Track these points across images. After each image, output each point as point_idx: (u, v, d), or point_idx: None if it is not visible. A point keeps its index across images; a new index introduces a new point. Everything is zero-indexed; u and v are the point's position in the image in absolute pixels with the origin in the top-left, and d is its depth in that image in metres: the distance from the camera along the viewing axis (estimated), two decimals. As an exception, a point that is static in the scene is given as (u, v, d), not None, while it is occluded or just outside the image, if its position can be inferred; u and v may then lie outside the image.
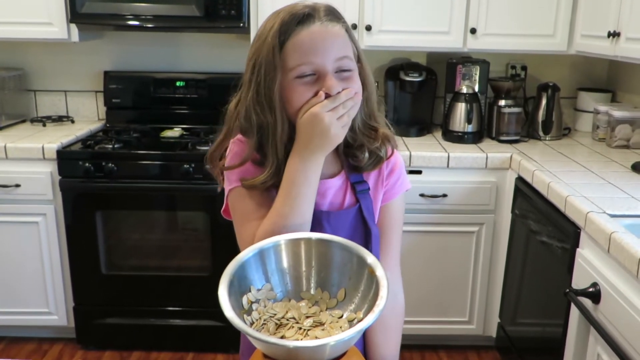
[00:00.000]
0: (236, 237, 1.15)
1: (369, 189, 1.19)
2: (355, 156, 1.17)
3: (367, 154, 1.16)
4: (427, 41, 2.67)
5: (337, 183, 1.18)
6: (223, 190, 1.21)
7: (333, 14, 1.09)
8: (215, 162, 1.21)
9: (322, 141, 1.05)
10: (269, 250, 0.99)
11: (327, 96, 1.04)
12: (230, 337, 2.65)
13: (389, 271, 1.17)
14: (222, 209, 1.22)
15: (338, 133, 1.05)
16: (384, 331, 1.21)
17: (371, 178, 1.20)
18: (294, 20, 1.05)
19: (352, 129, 1.13)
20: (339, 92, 1.04)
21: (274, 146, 1.09)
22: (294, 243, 1.00)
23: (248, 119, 1.10)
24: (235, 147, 1.17)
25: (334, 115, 1.04)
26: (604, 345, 1.56)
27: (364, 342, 1.23)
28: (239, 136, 1.16)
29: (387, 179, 1.22)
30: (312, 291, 1.00)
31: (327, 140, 1.05)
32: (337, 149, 1.15)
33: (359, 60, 1.12)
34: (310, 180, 1.07)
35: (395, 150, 1.23)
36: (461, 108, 2.69)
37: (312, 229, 1.09)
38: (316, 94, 1.05)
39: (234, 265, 0.95)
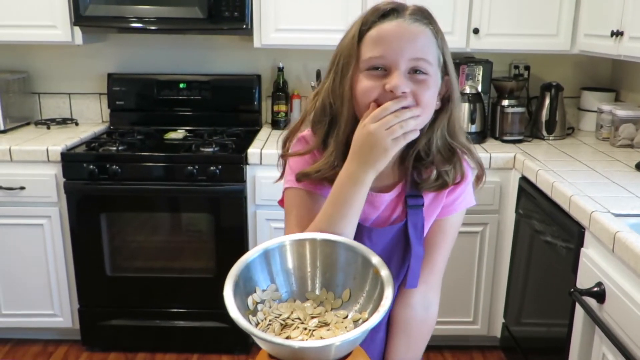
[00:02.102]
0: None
1: (422, 205, 1.13)
2: (421, 173, 1.11)
3: (434, 175, 1.10)
4: (430, 42, 2.66)
5: (392, 196, 1.13)
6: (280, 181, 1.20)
7: (421, 15, 1.04)
8: (284, 148, 1.18)
9: (370, 155, 0.99)
10: (274, 250, 0.99)
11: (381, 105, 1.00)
12: (235, 339, 2.66)
13: (426, 284, 1.18)
14: (280, 199, 1.21)
15: (387, 146, 0.98)
16: (408, 338, 1.20)
17: (432, 192, 1.14)
18: (377, 13, 1.03)
19: (428, 142, 1.08)
20: (392, 102, 0.99)
21: (337, 139, 1.07)
22: (299, 243, 1.00)
23: (323, 108, 1.09)
24: (299, 143, 1.16)
25: (383, 126, 0.97)
26: (609, 345, 1.56)
27: (384, 345, 1.22)
28: (305, 133, 1.15)
29: (448, 196, 1.16)
30: (317, 292, 1.00)
31: (374, 153, 0.98)
32: (401, 158, 1.11)
33: (445, 71, 1.06)
34: (353, 200, 1.02)
35: (468, 169, 1.15)
36: (464, 108, 2.69)
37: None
38: (383, 88, 1.00)
39: (239, 266, 0.95)
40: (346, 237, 1.03)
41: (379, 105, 1.00)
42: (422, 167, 1.11)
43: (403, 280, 1.20)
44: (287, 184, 1.15)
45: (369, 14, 1.04)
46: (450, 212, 1.18)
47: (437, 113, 1.08)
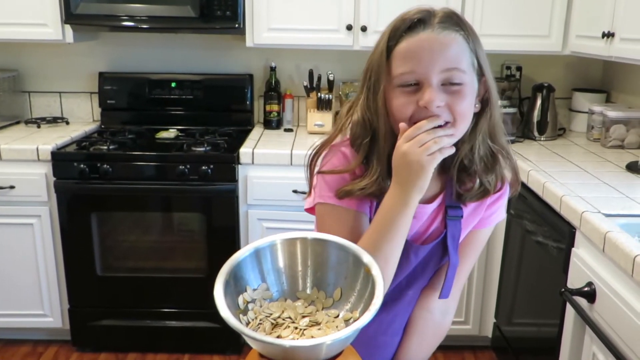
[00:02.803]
0: None
1: (461, 216, 1.12)
2: (464, 183, 1.09)
3: (477, 184, 1.08)
4: (423, 42, 2.66)
5: (434, 207, 1.11)
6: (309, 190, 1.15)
7: (450, 21, 1.00)
8: (313, 163, 1.13)
9: (409, 175, 0.97)
10: (265, 249, 0.99)
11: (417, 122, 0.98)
12: (227, 339, 2.65)
13: (450, 293, 1.18)
14: (306, 207, 1.16)
15: (423, 163, 0.96)
16: (421, 339, 1.22)
17: (472, 204, 1.13)
18: (404, 26, 1.00)
19: (471, 149, 1.05)
20: (425, 120, 0.97)
21: (379, 156, 1.05)
22: (290, 242, 1.00)
23: (363, 125, 1.06)
24: (336, 156, 1.10)
25: (416, 144, 0.96)
26: (600, 344, 1.56)
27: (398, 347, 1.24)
28: (344, 149, 1.10)
29: (489, 208, 1.14)
30: (308, 291, 1.00)
31: (412, 173, 0.97)
32: (443, 168, 1.09)
33: (481, 73, 1.03)
34: (399, 224, 1.00)
35: (506, 179, 1.13)
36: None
37: (401, 261, 1.06)
38: (417, 104, 0.98)
39: (229, 265, 0.94)
40: (394, 260, 1.02)
41: (414, 122, 0.98)
42: (466, 177, 1.09)
43: (428, 286, 1.21)
44: (322, 199, 1.10)
45: (396, 27, 1.01)
46: (486, 224, 1.17)
47: (478, 116, 1.05)
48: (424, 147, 0.95)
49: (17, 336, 2.79)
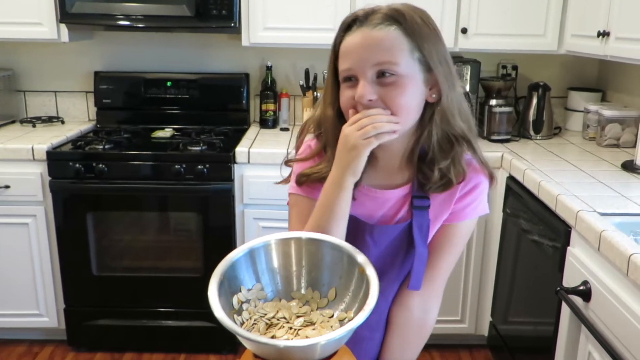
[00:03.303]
0: None
1: (428, 206, 1.13)
2: (424, 173, 1.12)
3: (437, 173, 1.10)
4: (418, 41, 2.66)
5: (398, 195, 1.15)
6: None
7: (389, 17, 1.03)
8: (302, 136, 1.24)
9: (345, 156, 1.03)
10: (259, 249, 0.99)
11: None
12: (223, 338, 2.65)
13: (429, 290, 1.18)
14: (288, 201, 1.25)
15: (358, 145, 1.01)
16: (403, 340, 1.21)
17: (440, 195, 1.14)
18: (344, 25, 1.08)
19: (428, 137, 1.09)
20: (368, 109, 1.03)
21: (331, 145, 1.11)
22: (284, 242, 1.00)
23: (318, 116, 1.16)
24: (302, 151, 1.21)
25: (355, 127, 1.02)
26: (595, 342, 1.57)
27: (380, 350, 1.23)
28: (310, 141, 1.20)
29: (459, 201, 1.14)
30: (302, 291, 1.00)
31: (347, 153, 1.03)
32: (410, 156, 1.13)
33: (429, 65, 1.04)
34: (336, 205, 1.06)
35: (480, 171, 1.15)
36: (452, 108, 2.69)
37: (356, 241, 1.09)
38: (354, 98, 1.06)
39: (224, 265, 0.94)
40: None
41: (357, 111, 1.05)
42: (426, 168, 1.11)
43: (404, 281, 1.20)
44: (290, 189, 1.20)
45: (340, 27, 1.09)
46: (459, 218, 1.16)
47: (434, 106, 1.08)
48: (362, 131, 1.01)
49: (13, 336, 2.78)
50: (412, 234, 1.12)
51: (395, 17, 1.04)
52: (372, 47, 1.02)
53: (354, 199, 1.09)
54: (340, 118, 1.10)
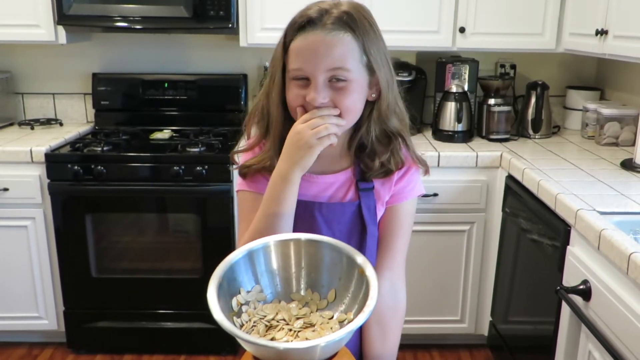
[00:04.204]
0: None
1: (372, 187, 1.20)
2: (366, 163, 1.19)
3: (377, 163, 1.18)
4: (417, 40, 2.67)
5: (341, 178, 1.20)
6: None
7: (341, 22, 1.07)
8: (249, 125, 1.26)
9: (296, 152, 1.07)
10: (259, 251, 0.98)
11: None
12: (222, 340, 2.64)
13: (390, 270, 1.23)
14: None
15: (312, 144, 1.06)
16: (382, 329, 1.21)
17: (379, 180, 1.22)
18: (298, 24, 1.09)
19: (367, 131, 1.16)
20: (320, 108, 1.07)
21: (272, 137, 1.15)
22: (284, 244, 1.00)
23: (261, 109, 1.18)
24: (246, 142, 1.24)
25: (309, 126, 1.06)
26: (595, 342, 1.57)
27: (360, 340, 1.23)
28: (254, 130, 1.23)
29: (396, 183, 1.22)
30: (302, 292, 1.00)
31: (299, 150, 1.07)
32: (349, 146, 1.19)
33: (372, 68, 1.11)
34: (283, 198, 1.09)
35: (412, 158, 1.23)
36: (451, 107, 2.69)
37: (306, 222, 1.13)
38: (305, 99, 1.08)
39: (223, 267, 0.94)
40: (283, 232, 1.09)
41: (305, 110, 1.10)
42: (366, 158, 1.19)
43: None
44: (237, 187, 1.24)
45: (293, 23, 1.10)
46: (401, 199, 1.23)
47: (373, 104, 1.15)
48: (315, 131, 1.06)
49: (12, 339, 2.77)
50: (362, 214, 1.19)
51: (349, 22, 1.08)
52: (326, 53, 1.06)
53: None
54: (285, 111, 1.14)
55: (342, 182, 1.20)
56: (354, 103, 1.11)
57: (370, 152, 1.18)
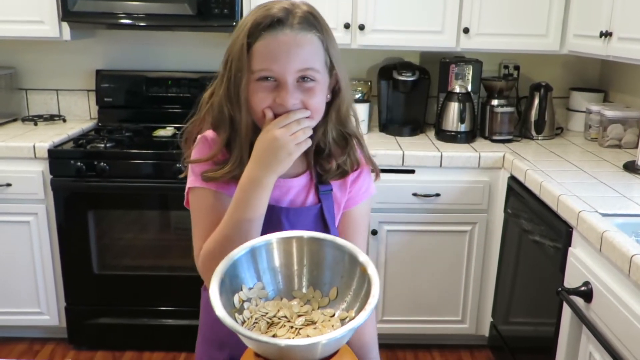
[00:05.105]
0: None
1: (331, 190, 1.20)
2: (322, 166, 1.18)
3: (334, 165, 1.18)
4: (420, 41, 2.67)
5: (301, 182, 1.19)
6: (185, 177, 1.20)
7: (307, 22, 1.07)
8: (189, 141, 1.20)
9: (274, 159, 1.04)
10: (261, 248, 0.98)
11: (277, 115, 1.06)
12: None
13: None
14: (185, 201, 1.20)
15: (291, 150, 1.04)
16: (360, 334, 1.20)
17: (336, 182, 1.21)
18: (263, 24, 1.05)
19: (324, 134, 1.15)
20: (293, 111, 1.05)
21: (239, 143, 1.11)
22: (286, 241, 1.00)
23: (220, 112, 1.12)
24: (201, 144, 1.17)
25: (287, 132, 1.04)
26: (596, 343, 1.56)
27: None
28: (208, 132, 1.17)
29: (351, 187, 1.22)
30: (304, 290, 1.00)
31: (278, 157, 1.04)
32: (305, 151, 1.15)
33: (332, 68, 1.11)
34: (255, 204, 1.05)
35: (362, 158, 1.22)
36: (454, 107, 2.69)
37: (272, 226, 1.09)
38: (274, 101, 1.05)
39: (225, 263, 0.94)
40: (253, 237, 1.04)
41: (274, 112, 1.06)
42: (323, 161, 1.18)
43: None
44: (191, 184, 1.15)
45: (256, 23, 1.05)
46: (356, 202, 1.24)
47: (328, 105, 1.14)
48: (294, 136, 1.04)
49: (14, 334, 2.78)
50: (325, 217, 1.19)
51: (313, 22, 1.08)
52: (297, 53, 1.04)
53: None
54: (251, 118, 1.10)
55: (302, 185, 1.19)
56: (320, 104, 1.10)
57: (328, 155, 1.17)
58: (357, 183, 1.23)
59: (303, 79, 1.06)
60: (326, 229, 1.18)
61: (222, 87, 1.11)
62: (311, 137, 1.10)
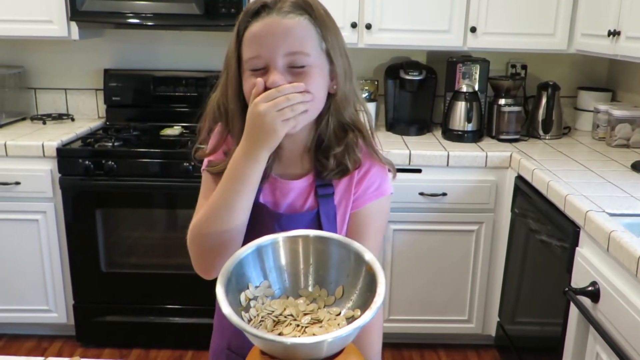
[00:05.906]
0: None
1: (332, 193, 1.15)
2: (320, 161, 1.14)
3: (332, 161, 1.12)
4: (427, 40, 2.67)
5: (301, 185, 1.16)
6: None
7: (297, 6, 1.04)
8: (199, 135, 1.21)
9: (260, 134, 1.00)
10: (267, 247, 0.99)
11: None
12: (230, 335, 2.65)
13: None
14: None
15: (277, 127, 0.99)
16: (363, 332, 1.19)
17: (341, 183, 1.16)
18: (251, 11, 1.05)
19: (326, 126, 1.12)
20: (284, 85, 1.00)
21: (236, 135, 1.10)
22: (292, 240, 1.00)
23: (218, 107, 1.13)
24: (215, 133, 1.18)
25: (273, 107, 0.98)
26: (603, 344, 1.56)
27: None
28: (220, 128, 1.18)
29: (357, 186, 1.16)
30: (310, 288, 1.00)
31: (264, 133, 1.00)
32: (309, 149, 1.14)
33: (329, 56, 1.07)
34: (247, 176, 1.03)
35: (374, 157, 1.17)
36: (461, 107, 2.69)
37: (265, 230, 1.06)
38: (266, 85, 1.02)
39: (231, 262, 0.94)
40: (241, 213, 1.06)
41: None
42: (322, 156, 1.14)
43: None
44: (203, 166, 1.19)
45: (246, 12, 1.06)
46: (364, 202, 1.17)
47: (332, 97, 1.11)
48: (281, 113, 0.99)
49: (22, 331, 2.80)
50: (320, 221, 1.14)
51: (304, 6, 1.05)
52: (283, 35, 1.02)
53: (260, 187, 1.10)
54: (244, 107, 1.07)
55: (303, 188, 1.15)
56: (317, 89, 1.05)
57: (325, 148, 1.13)
58: (364, 181, 1.17)
59: (294, 65, 1.03)
60: None
61: (221, 82, 1.12)
62: (316, 131, 1.09)
